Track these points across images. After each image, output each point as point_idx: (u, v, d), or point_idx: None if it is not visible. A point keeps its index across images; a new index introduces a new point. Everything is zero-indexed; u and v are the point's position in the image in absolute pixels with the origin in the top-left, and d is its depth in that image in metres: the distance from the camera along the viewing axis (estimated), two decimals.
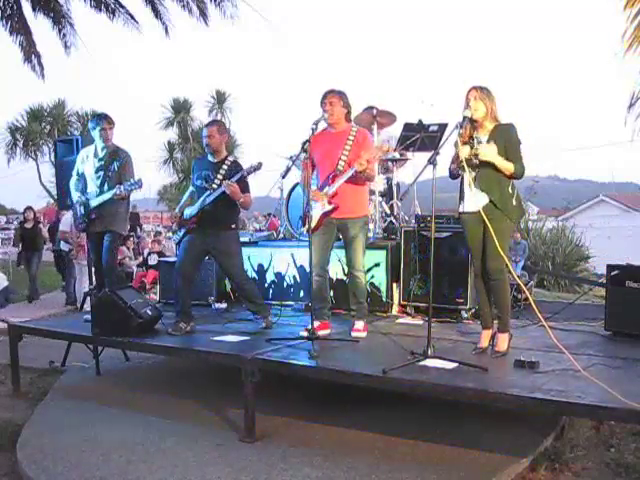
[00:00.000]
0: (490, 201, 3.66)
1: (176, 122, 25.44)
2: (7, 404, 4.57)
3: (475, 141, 3.65)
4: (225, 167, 4.57)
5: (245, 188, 4.56)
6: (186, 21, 10.08)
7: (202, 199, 4.57)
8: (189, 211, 4.66)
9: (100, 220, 5.02)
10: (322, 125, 4.38)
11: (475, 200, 3.69)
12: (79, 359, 5.53)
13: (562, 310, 4.85)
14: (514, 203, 3.71)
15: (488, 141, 3.64)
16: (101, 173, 4.98)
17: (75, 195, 5.12)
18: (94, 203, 4.98)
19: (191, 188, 4.82)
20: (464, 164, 3.62)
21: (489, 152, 3.59)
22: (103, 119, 5.07)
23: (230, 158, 4.68)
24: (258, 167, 4.53)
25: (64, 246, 9.88)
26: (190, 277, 4.68)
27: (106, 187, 4.91)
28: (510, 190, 3.70)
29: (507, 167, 3.64)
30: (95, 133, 5.04)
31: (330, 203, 4.31)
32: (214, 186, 4.51)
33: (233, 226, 4.70)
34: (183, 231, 4.69)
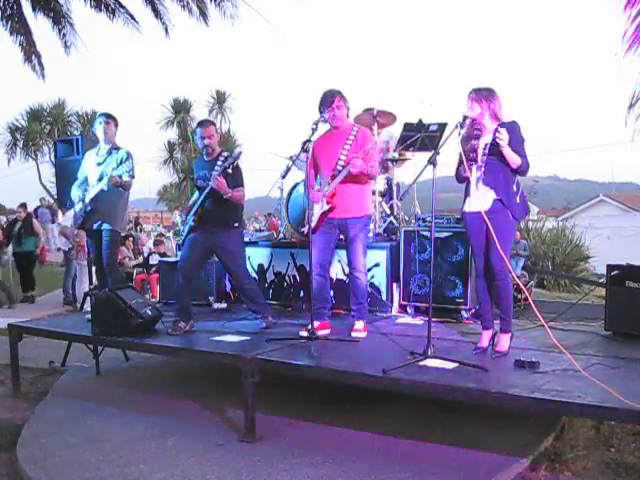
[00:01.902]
0: (496, 199, 3.67)
1: (176, 122, 25.47)
2: (7, 404, 4.57)
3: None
4: (220, 163, 4.56)
5: (237, 182, 4.54)
6: (186, 21, 10.10)
7: (200, 197, 4.59)
8: (192, 210, 4.67)
9: (96, 213, 5.04)
10: (322, 126, 4.38)
11: (482, 198, 3.69)
12: (79, 359, 5.53)
13: (565, 311, 4.84)
14: (518, 201, 3.72)
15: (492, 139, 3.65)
16: (100, 168, 5.01)
17: (75, 193, 5.15)
18: (91, 193, 5.00)
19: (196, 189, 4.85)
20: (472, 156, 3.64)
21: (505, 137, 3.59)
22: (106, 116, 5.14)
23: (224, 153, 4.67)
24: (238, 156, 4.50)
25: (63, 245, 9.88)
26: (192, 276, 4.69)
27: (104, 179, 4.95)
28: (515, 188, 3.71)
29: (515, 159, 3.64)
30: (99, 128, 5.08)
31: (328, 203, 4.32)
32: (214, 174, 4.50)
33: (236, 224, 4.70)
34: (187, 230, 4.69)
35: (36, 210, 19.08)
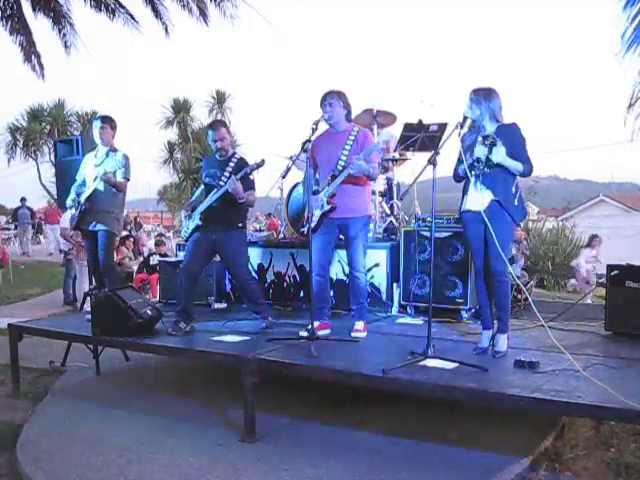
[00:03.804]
0: (494, 200, 3.66)
1: (176, 122, 25.46)
2: (7, 404, 4.57)
3: (488, 141, 3.63)
4: (232, 164, 4.59)
5: (249, 186, 4.57)
6: (186, 21, 10.10)
7: (209, 197, 4.60)
8: (199, 208, 4.68)
9: (91, 214, 5.06)
10: (322, 125, 4.39)
11: (479, 198, 3.69)
12: (79, 359, 5.53)
13: (565, 311, 4.85)
14: (516, 203, 3.72)
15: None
16: (97, 169, 5.03)
17: (72, 196, 5.17)
18: (87, 192, 5.02)
19: (202, 186, 4.85)
20: (476, 165, 3.63)
21: (501, 154, 3.59)
22: (102, 120, 5.16)
23: (237, 155, 4.71)
24: (261, 164, 4.53)
25: (64, 245, 9.88)
26: (196, 276, 4.69)
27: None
28: (514, 189, 3.71)
29: (516, 167, 3.64)
30: (95, 132, 5.12)
31: (329, 203, 4.32)
32: (221, 184, 4.53)
33: (240, 225, 4.71)
34: (192, 228, 4.70)
35: (16, 211, 18.49)
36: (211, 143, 4.69)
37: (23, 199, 18.64)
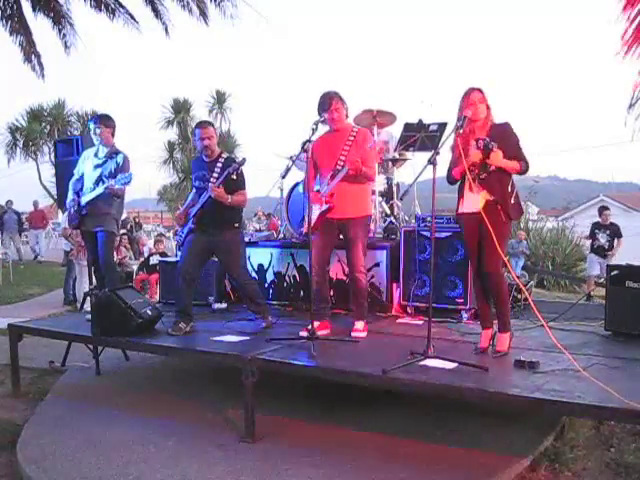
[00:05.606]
0: (490, 200, 3.66)
1: (176, 122, 25.44)
2: (7, 404, 4.57)
3: (481, 144, 3.62)
4: (219, 165, 4.57)
5: (237, 186, 4.55)
6: (186, 21, 10.12)
7: (199, 200, 4.59)
8: (192, 212, 4.67)
9: (91, 218, 5.08)
10: (322, 126, 4.38)
11: (476, 199, 3.68)
12: (79, 359, 5.53)
13: (565, 311, 4.85)
14: (512, 201, 3.72)
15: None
16: (98, 171, 5.02)
17: (71, 195, 5.17)
18: (86, 199, 5.02)
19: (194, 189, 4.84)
20: (474, 170, 3.63)
21: (498, 158, 3.59)
22: (94, 122, 5.12)
23: (224, 155, 4.68)
24: (242, 163, 4.51)
25: (65, 245, 9.90)
26: (193, 277, 4.67)
27: (100, 185, 4.96)
28: (509, 188, 3.71)
29: (514, 167, 3.64)
30: (93, 134, 5.10)
31: (327, 203, 4.32)
32: (210, 185, 4.51)
33: (236, 225, 4.69)
34: (186, 231, 4.69)
35: (1, 217, 16.71)
36: (198, 142, 4.65)
37: (9, 202, 17.00)
